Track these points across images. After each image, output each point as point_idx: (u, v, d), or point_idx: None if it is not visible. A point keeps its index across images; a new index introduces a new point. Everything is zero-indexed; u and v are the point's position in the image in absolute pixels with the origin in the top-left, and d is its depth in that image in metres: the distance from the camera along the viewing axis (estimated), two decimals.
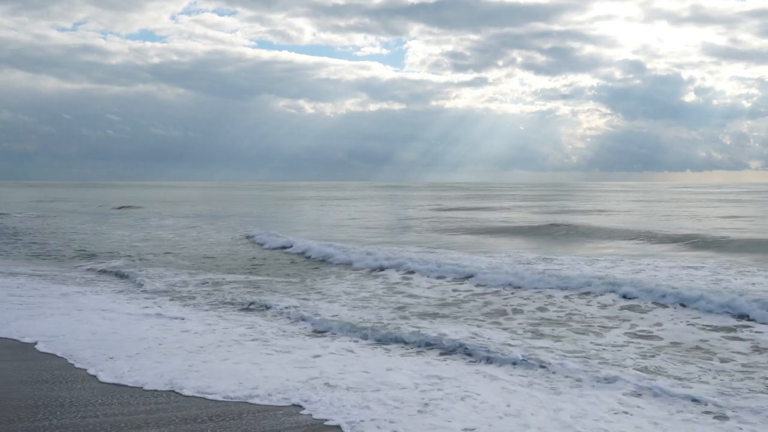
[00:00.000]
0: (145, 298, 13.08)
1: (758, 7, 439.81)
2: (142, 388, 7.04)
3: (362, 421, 6.06)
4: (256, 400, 6.66)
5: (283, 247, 22.00)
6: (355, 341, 9.37)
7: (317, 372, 7.64)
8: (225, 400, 6.67)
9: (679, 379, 7.37)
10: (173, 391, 6.95)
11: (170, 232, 30.30)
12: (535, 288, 13.33)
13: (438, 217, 40.03)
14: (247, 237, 26.26)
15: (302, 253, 20.43)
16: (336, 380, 7.30)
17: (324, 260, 18.83)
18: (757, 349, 8.87)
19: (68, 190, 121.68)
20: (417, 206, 55.80)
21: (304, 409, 6.43)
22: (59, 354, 8.44)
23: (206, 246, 23.94)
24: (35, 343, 9.01)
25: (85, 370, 7.74)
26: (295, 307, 11.73)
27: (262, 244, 23.46)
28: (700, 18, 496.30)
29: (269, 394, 6.82)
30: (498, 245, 23.14)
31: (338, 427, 5.97)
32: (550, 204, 56.29)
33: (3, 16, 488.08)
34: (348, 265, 17.64)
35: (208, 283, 15.03)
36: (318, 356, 8.43)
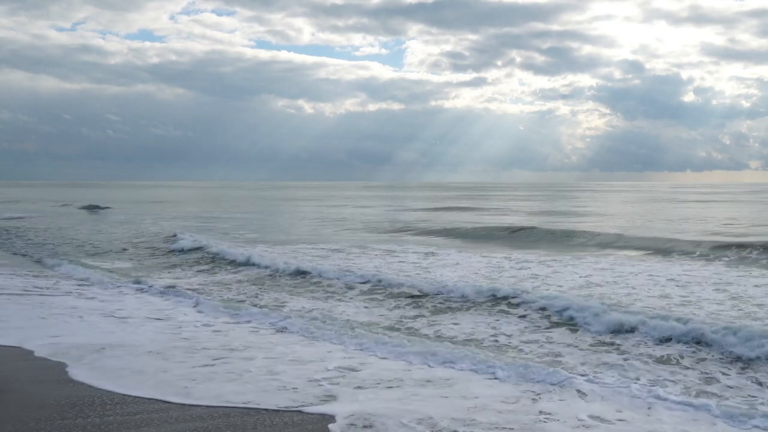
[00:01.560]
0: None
1: (757, 7, 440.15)
2: (139, 395, 7.05)
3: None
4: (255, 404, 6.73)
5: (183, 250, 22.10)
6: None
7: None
8: (228, 405, 6.72)
9: None
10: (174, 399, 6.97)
11: (100, 228, 31.44)
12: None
13: (396, 217, 40.26)
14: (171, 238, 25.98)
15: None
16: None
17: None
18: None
19: (57, 190, 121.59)
20: (392, 206, 56.08)
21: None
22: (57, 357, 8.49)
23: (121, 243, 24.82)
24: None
25: (73, 373, 7.73)
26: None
27: (171, 246, 23.40)
28: (699, 18, 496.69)
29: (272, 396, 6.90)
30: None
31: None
32: (531, 205, 55.41)
33: (2, 16, 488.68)
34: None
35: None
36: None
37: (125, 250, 23.03)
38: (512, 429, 6.15)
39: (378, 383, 7.56)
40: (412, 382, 7.60)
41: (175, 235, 25.67)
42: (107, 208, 52.69)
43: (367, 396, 7.07)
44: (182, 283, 15.76)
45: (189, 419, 6.35)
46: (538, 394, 7.15)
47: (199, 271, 17.79)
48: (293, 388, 7.29)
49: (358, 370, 8.09)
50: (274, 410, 6.61)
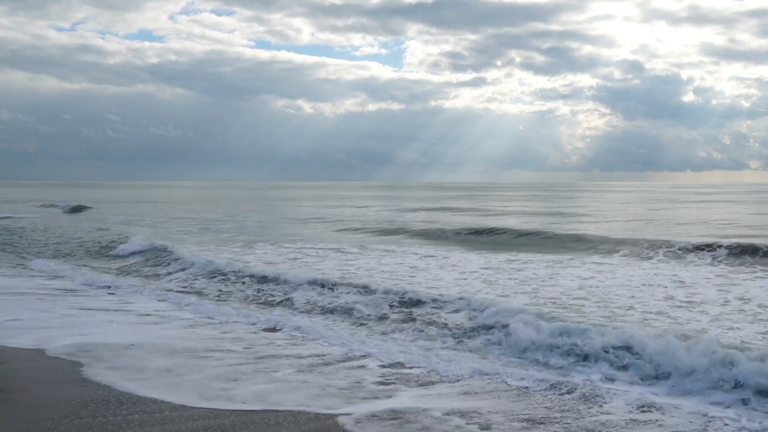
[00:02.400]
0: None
1: (756, 7, 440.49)
2: (160, 396, 7.14)
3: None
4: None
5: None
6: None
7: None
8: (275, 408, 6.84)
9: None
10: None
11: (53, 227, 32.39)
12: None
13: (390, 217, 40.57)
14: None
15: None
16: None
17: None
18: None
19: (55, 190, 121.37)
20: (387, 207, 55.94)
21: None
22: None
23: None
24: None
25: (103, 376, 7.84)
26: None
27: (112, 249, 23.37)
28: (699, 18, 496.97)
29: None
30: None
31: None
32: (531, 205, 55.18)
33: (1, 16, 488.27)
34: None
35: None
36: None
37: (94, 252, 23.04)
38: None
39: (415, 382, 7.78)
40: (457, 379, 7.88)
41: (123, 240, 25.09)
42: (90, 208, 52.21)
43: (411, 393, 7.33)
44: (197, 284, 15.93)
45: (206, 417, 6.50)
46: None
47: (196, 274, 17.70)
48: (342, 388, 7.50)
49: (396, 369, 8.30)
50: (311, 411, 6.72)
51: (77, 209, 50.60)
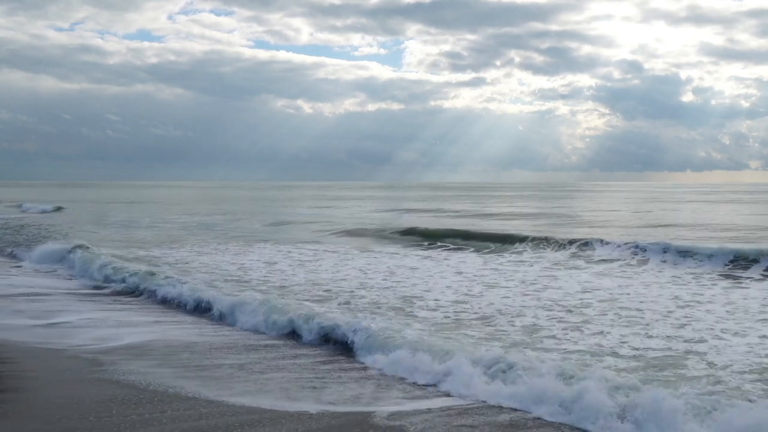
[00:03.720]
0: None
1: (756, 7, 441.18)
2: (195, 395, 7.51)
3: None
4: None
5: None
6: None
7: None
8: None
9: None
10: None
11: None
12: None
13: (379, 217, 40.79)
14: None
15: None
16: None
17: None
18: None
19: (52, 190, 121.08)
20: (379, 208, 55.62)
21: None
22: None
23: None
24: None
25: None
26: None
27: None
28: (698, 18, 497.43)
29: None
30: None
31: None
32: (531, 206, 55.13)
33: (0, 16, 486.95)
34: None
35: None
36: None
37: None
38: None
39: None
40: None
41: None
42: (65, 208, 51.78)
43: None
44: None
45: (237, 413, 6.85)
46: None
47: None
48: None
49: None
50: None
51: (56, 209, 50.03)
